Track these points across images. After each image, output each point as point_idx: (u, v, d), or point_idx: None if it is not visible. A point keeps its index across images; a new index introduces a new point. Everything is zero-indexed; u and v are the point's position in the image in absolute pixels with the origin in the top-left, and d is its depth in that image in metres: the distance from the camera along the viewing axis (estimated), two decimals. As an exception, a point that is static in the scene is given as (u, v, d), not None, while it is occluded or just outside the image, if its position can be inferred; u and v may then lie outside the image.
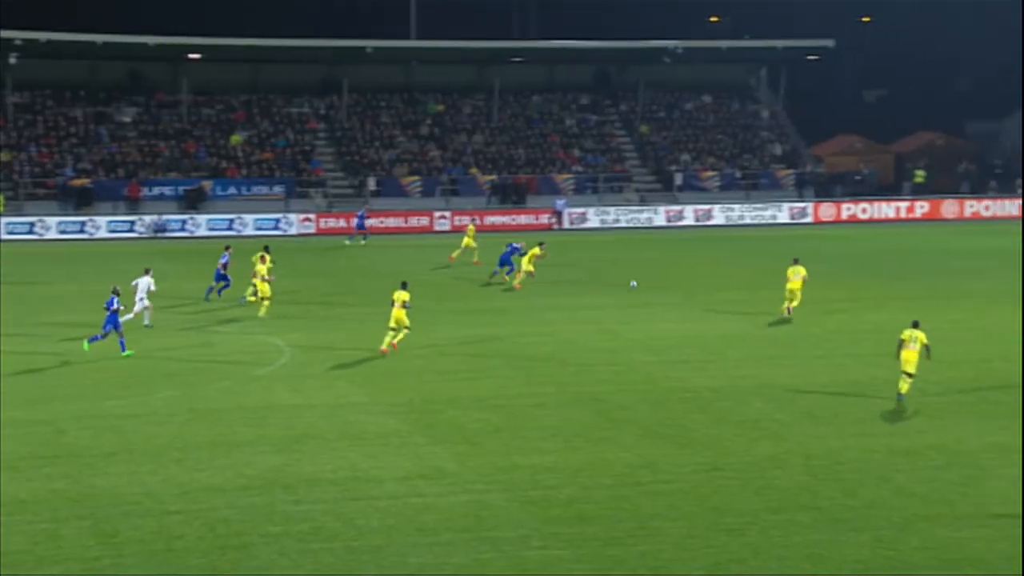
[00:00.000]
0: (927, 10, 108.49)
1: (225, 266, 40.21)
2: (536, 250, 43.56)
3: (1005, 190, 73.63)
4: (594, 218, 68.24)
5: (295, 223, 64.07)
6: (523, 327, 35.95)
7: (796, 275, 37.35)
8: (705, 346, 33.12)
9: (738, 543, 18.35)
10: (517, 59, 75.55)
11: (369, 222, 59.56)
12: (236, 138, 69.54)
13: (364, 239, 58.50)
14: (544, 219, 67.43)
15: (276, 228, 63.48)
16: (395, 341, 31.66)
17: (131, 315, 34.02)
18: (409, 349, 31.77)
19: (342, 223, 62.91)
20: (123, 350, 31.21)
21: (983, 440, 23.48)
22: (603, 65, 78.50)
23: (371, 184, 67.83)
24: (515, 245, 44.79)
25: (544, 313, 38.42)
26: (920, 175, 75.88)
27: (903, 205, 70.21)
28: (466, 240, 49.66)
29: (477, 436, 24.08)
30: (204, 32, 67.76)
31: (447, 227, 64.56)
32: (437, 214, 66.14)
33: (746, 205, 69.50)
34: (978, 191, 73.45)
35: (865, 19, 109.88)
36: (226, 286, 40.19)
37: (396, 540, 18.39)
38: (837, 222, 68.77)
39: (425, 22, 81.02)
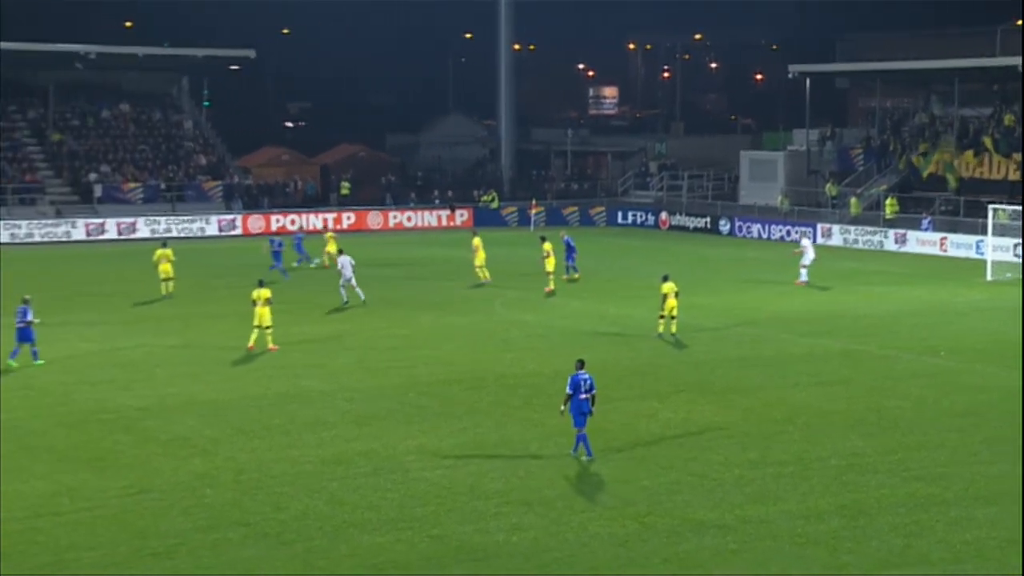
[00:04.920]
0: (345, 26, 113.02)
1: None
2: None
3: (424, 201, 77.90)
4: (3, 232, 64.03)
5: None
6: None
7: (477, 247, 46.91)
8: (130, 364, 32.16)
9: (164, 567, 17.92)
10: None
11: None
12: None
13: None
14: (-57, 234, 62.54)
15: None
16: None
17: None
18: None
19: None
20: (35, 359, 31.62)
21: (407, 444, 24.57)
22: (5, 68, 73.96)
23: None
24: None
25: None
26: (346, 187, 78.42)
27: (331, 216, 72.21)
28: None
29: None
30: None
31: None
32: None
33: (172, 217, 68.35)
34: (400, 202, 77.12)
35: (285, 31, 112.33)
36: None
37: None
38: (267, 233, 69.27)
39: None
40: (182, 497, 21.01)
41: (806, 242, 49.03)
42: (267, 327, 33.70)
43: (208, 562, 18.11)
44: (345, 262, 42.15)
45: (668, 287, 35.73)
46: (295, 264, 52.12)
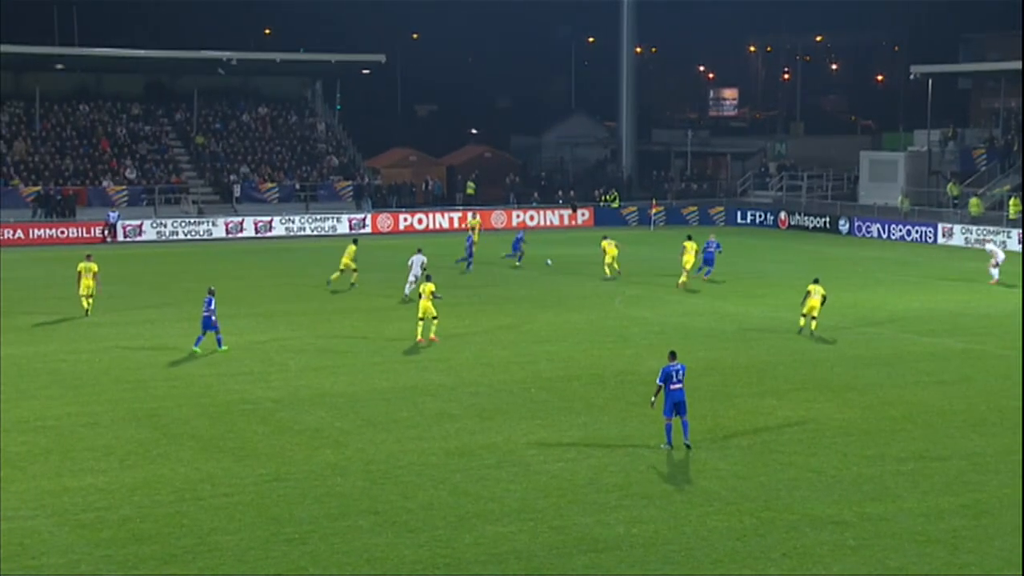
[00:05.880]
0: (472, 31, 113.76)
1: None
2: None
3: (546, 201, 78.04)
4: (150, 230, 65.97)
5: None
6: (71, 344, 34.15)
7: (611, 246, 47.46)
8: (265, 357, 32.77)
9: (298, 552, 18.23)
10: (59, 66, 71.98)
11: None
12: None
13: None
14: (97, 232, 64.53)
15: None
16: None
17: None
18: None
19: None
20: (220, 346, 33.12)
21: (528, 438, 24.63)
22: (155, 74, 76.22)
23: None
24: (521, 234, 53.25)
25: (94, 329, 36.66)
26: (471, 187, 78.95)
27: (456, 215, 72.74)
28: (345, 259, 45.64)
29: (21, 460, 22.59)
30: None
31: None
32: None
33: (306, 216, 69.58)
34: (523, 202, 77.37)
35: (414, 36, 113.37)
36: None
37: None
38: (395, 232, 70.28)
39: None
40: (315, 486, 21.35)
41: (992, 246, 49.64)
42: (433, 317, 34.27)
43: (339, 548, 18.38)
44: (416, 260, 41.87)
45: (813, 288, 35.65)
46: (516, 262, 52.79)
